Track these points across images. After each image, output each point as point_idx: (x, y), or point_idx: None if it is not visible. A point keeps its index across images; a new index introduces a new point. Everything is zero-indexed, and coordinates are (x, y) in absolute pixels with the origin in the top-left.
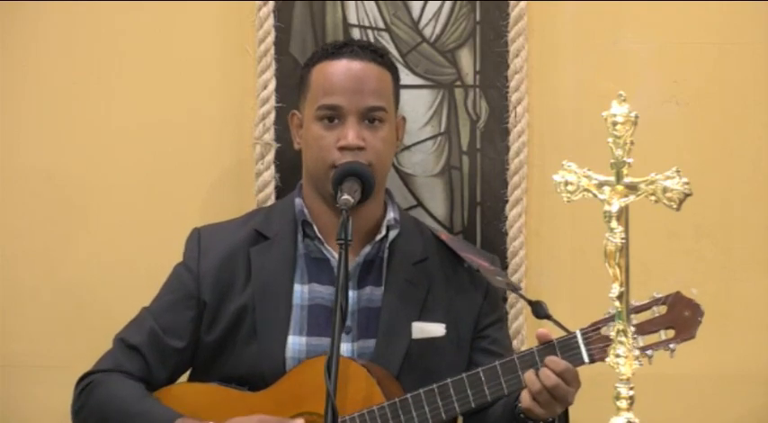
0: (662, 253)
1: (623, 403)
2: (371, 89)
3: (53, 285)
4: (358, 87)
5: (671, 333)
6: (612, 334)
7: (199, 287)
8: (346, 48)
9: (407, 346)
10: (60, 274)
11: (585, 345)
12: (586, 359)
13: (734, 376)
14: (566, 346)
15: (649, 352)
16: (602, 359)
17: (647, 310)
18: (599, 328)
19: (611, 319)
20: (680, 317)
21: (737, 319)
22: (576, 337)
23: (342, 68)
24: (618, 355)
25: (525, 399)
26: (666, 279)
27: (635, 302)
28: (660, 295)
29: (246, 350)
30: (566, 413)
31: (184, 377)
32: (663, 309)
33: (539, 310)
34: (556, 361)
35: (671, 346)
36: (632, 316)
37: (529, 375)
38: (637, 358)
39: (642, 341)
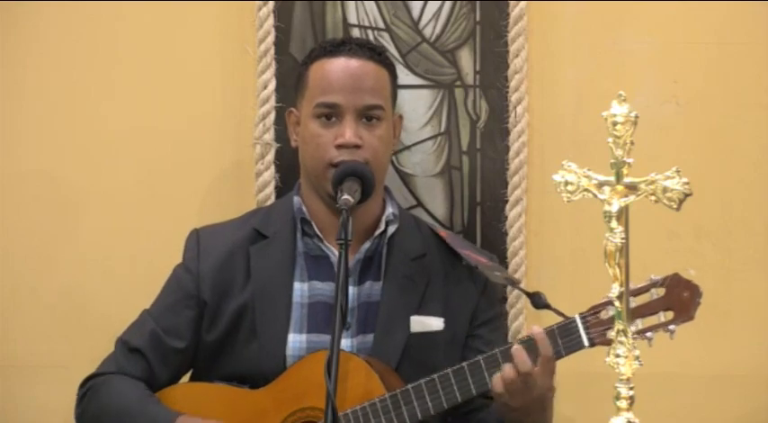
0: (662, 253)
1: (623, 403)
2: (369, 87)
3: (53, 285)
4: (356, 85)
5: (670, 315)
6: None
7: (198, 287)
8: (344, 46)
9: (406, 340)
10: (60, 274)
11: (585, 329)
12: (586, 343)
13: (734, 376)
14: (565, 331)
15: (649, 334)
16: (602, 343)
17: (646, 292)
18: (598, 312)
19: (610, 302)
20: (679, 298)
21: (737, 318)
22: (575, 321)
23: (340, 66)
24: (618, 355)
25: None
26: None
27: (633, 285)
28: (658, 277)
29: (247, 349)
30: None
31: (186, 377)
32: (661, 291)
33: (537, 301)
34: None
35: (670, 327)
36: (631, 299)
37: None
38: (637, 358)
39: (641, 324)
